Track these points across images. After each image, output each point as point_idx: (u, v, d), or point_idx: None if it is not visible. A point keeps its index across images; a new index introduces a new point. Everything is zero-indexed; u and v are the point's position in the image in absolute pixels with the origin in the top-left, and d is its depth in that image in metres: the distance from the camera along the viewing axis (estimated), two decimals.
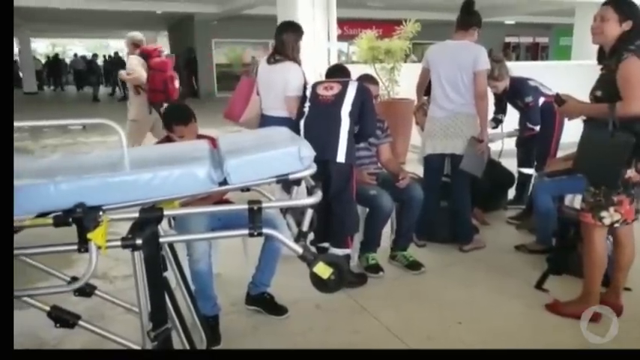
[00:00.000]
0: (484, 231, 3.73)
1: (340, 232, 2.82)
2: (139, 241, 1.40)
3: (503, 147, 4.00)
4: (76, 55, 23.33)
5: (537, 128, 3.82)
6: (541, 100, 3.77)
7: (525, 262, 3.24)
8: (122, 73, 5.07)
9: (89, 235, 1.32)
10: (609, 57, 2.29)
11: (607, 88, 2.25)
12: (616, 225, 2.33)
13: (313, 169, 1.60)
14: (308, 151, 1.56)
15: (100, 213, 1.34)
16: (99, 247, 1.34)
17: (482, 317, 2.58)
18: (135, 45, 5.04)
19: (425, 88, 3.56)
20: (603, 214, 2.30)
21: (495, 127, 4.10)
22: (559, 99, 2.43)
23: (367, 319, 2.58)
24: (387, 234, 3.23)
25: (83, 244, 1.34)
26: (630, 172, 2.23)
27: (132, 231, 1.43)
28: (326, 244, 2.86)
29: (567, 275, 2.94)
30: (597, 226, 2.34)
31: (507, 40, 20.44)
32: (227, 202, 2.57)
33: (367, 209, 3.04)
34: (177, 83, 4.96)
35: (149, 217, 1.39)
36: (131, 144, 4.93)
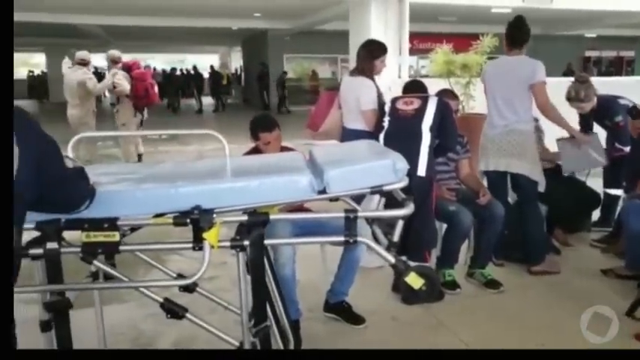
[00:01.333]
0: (566, 253, 3.58)
1: (418, 246, 2.83)
2: (246, 243, 1.51)
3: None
4: (154, 68, 24.83)
5: (627, 149, 3.63)
6: None
7: (612, 287, 3.08)
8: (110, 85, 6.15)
9: (204, 235, 1.44)
10: None
11: None
12: None
13: (406, 181, 1.65)
14: (402, 164, 1.62)
15: (214, 215, 1.47)
16: (212, 247, 1.46)
17: (565, 342, 2.48)
18: (114, 61, 6.04)
19: None
20: None
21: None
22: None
23: (445, 334, 2.57)
24: (464, 251, 3.19)
25: (198, 243, 1.47)
26: None
27: (239, 233, 1.54)
28: (403, 258, 2.87)
29: None
30: None
31: (587, 54, 19.41)
32: (307, 209, 2.67)
33: (446, 225, 3.04)
34: (156, 89, 6.14)
35: (257, 221, 1.49)
36: (126, 145, 6.23)
